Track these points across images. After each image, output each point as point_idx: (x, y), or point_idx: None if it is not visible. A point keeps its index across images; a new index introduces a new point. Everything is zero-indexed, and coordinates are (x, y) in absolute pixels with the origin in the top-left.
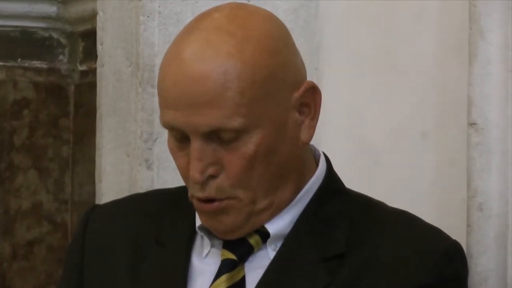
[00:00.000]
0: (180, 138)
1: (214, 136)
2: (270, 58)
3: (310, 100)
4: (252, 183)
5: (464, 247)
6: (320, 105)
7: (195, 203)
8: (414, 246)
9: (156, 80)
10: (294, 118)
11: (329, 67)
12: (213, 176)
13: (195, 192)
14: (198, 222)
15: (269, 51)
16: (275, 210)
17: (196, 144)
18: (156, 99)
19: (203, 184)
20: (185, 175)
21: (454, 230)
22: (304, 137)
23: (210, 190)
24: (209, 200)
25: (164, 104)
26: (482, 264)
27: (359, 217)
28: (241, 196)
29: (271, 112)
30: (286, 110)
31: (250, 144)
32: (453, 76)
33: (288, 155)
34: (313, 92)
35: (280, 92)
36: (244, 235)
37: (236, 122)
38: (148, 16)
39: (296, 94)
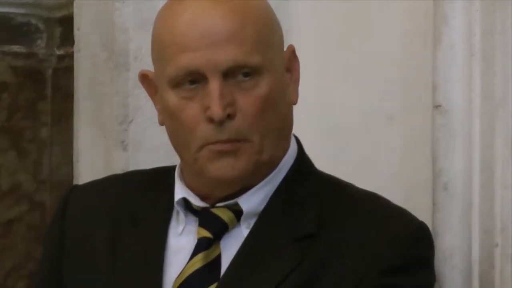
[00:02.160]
0: (191, 84)
1: (230, 76)
2: (273, 16)
3: (292, 65)
4: (264, 128)
5: (430, 226)
6: (299, 70)
7: (210, 149)
8: (382, 227)
9: (132, 65)
10: (285, 78)
11: (298, 52)
12: (229, 117)
13: (211, 137)
14: (176, 197)
15: (271, 11)
16: (268, 170)
17: (215, 84)
18: (131, 83)
19: (222, 127)
20: (192, 126)
21: (420, 209)
22: (292, 97)
23: (230, 132)
24: (226, 143)
25: (180, 49)
26: (447, 241)
27: (329, 199)
28: (255, 140)
29: (276, 61)
30: (282, 67)
31: (263, 85)
32: (418, 61)
33: (285, 112)
34: (294, 56)
35: (279, 48)
36: (241, 187)
37: (255, 59)
38: (123, 3)
39: (285, 56)
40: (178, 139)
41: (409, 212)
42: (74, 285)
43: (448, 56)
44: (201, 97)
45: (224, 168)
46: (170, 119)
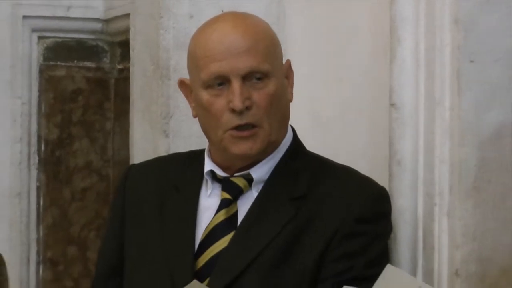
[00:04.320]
0: (218, 85)
1: (247, 79)
2: (276, 36)
3: (289, 73)
4: (271, 118)
5: (388, 191)
6: (293, 79)
7: (231, 134)
8: (354, 189)
9: (172, 75)
10: (285, 83)
11: (294, 63)
12: (247, 109)
13: (233, 122)
14: (206, 169)
15: (274, 32)
16: (272, 149)
17: (237, 84)
18: (171, 88)
19: (241, 115)
20: (219, 115)
21: (380, 178)
22: (289, 96)
23: (248, 118)
24: (244, 130)
25: (210, 60)
26: (400, 203)
27: (316, 170)
28: (266, 126)
29: (279, 70)
30: (282, 75)
31: (271, 86)
32: (380, 70)
33: (285, 107)
34: (290, 68)
35: (281, 60)
36: (256, 160)
37: (266, 66)
38: (165, 30)
39: (284, 67)
40: (209, 125)
41: (373, 179)
42: (133, 238)
43: (401, 67)
44: (226, 94)
45: (244, 148)
46: (202, 112)
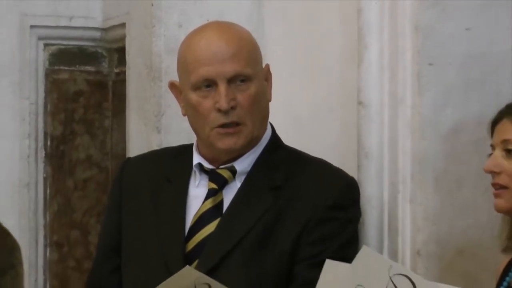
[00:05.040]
0: (206, 87)
1: (232, 82)
2: (256, 43)
3: (268, 76)
4: (253, 116)
5: (357, 180)
6: (271, 81)
7: (218, 131)
8: (327, 180)
9: (163, 78)
10: (264, 84)
11: (272, 68)
12: (232, 108)
13: (219, 121)
14: (194, 162)
15: (255, 39)
16: (254, 144)
17: (223, 86)
18: (163, 89)
19: (226, 115)
20: (206, 115)
21: (350, 169)
22: (269, 97)
23: (233, 117)
24: (230, 128)
25: (199, 65)
26: (368, 190)
27: (292, 162)
28: (248, 124)
29: (259, 73)
30: (263, 78)
31: (253, 88)
32: (349, 73)
33: (265, 106)
34: (269, 71)
35: (261, 64)
36: (239, 153)
37: (248, 70)
38: (157, 38)
39: (264, 71)
40: (197, 123)
41: (344, 170)
42: (129, 226)
43: (368, 69)
44: (213, 95)
45: (229, 144)
46: (192, 111)
